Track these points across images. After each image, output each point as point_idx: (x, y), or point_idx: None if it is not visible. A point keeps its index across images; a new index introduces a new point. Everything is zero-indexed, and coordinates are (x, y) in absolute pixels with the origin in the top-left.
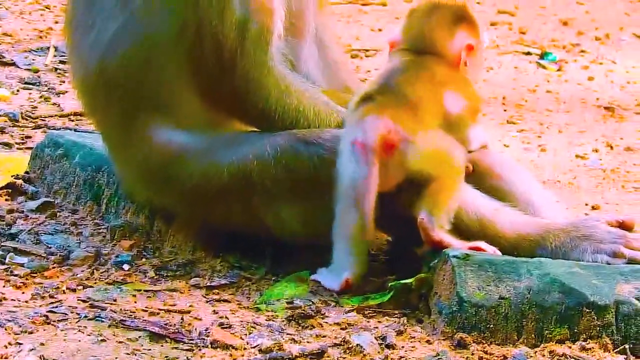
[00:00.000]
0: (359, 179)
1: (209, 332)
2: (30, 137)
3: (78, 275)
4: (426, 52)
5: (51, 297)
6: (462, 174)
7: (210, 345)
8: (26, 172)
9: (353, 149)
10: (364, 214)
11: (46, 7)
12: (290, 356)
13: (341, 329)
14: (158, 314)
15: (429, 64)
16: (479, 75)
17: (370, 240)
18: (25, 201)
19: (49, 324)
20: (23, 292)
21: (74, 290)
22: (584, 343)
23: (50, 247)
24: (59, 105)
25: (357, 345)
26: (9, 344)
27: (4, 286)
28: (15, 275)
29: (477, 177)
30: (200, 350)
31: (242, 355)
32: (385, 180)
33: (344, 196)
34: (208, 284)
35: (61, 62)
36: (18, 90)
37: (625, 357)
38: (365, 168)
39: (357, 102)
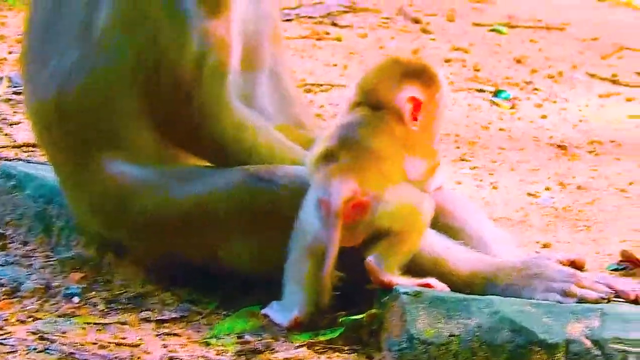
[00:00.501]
0: (320, 238)
1: None
2: None
3: (28, 308)
4: (380, 107)
5: (0, 329)
6: (427, 228)
7: None
8: None
9: (318, 207)
10: (321, 267)
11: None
12: None
13: None
14: (108, 347)
15: (386, 119)
16: (436, 135)
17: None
18: None
19: None
20: None
21: (23, 322)
22: None
23: (0, 279)
24: (11, 136)
25: None
26: None
27: None
28: None
29: None
30: None
31: None
32: (351, 238)
33: (300, 245)
34: (158, 317)
35: (15, 92)
36: None
37: None
38: (329, 229)
39: (320, 158)
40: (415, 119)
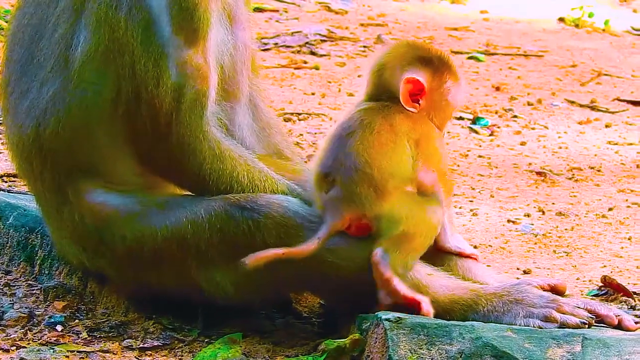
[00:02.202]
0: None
1: None
2: None
3: (11, 336)
4: (386, 93)
5: None
6: (435, 232)
7: None
8: None
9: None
10: None
11: None
12: None
13: None
14: None
15: (391, 109)
16: (444, 124)
17: None
18: None
19: None
20: None
21: (7, 351)
22: None
23: None
24: None
25: None
26: None
27: None
28: None
29: None
30: None
31: None
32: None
33: None
34: (141, 345)
35: None
36: None
37: None
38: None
39: (316, 185)
40: (415, 101)
